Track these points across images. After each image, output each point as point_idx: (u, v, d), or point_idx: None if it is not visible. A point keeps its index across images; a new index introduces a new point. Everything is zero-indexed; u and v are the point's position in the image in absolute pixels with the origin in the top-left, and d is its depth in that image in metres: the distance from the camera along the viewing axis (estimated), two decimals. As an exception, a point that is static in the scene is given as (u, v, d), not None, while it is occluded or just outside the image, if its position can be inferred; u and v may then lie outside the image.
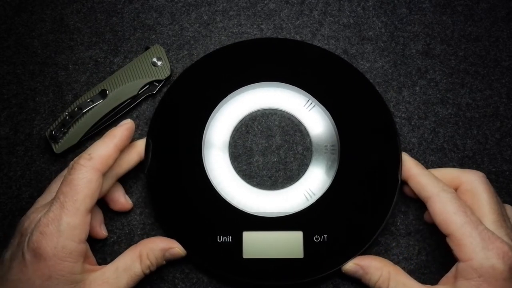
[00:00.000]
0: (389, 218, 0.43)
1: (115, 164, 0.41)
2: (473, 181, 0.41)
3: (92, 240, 0.43)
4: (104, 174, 0.40)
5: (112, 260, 0.43)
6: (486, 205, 0.40)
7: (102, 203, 0.44)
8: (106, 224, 0.44)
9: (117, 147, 0.41)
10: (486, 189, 0.41)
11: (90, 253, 0.40)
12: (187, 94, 0.47)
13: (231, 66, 0.48)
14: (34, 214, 0.39)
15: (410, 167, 0.43)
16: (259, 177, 0.46)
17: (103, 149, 0.40)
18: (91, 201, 0.38)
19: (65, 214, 0.37)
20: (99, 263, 0.43)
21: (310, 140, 0.47)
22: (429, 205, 0.40)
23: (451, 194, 0.40)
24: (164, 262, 0.41)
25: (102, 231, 0.43)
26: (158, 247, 0.41)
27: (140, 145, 0.45)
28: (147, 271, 0.40)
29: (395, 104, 0.49)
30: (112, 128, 0.42)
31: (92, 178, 0.38)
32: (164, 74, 0.48)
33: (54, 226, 0.36)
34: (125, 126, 0.42)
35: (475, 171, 0.42)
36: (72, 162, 0.39)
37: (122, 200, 0.44)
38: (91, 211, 0.39)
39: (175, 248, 0.41)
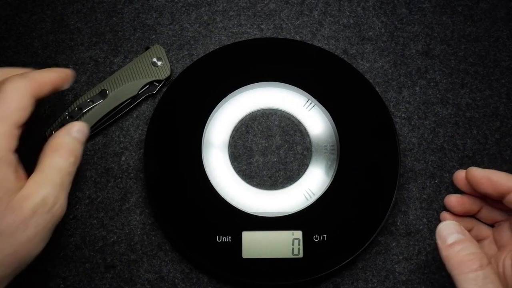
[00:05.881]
0: (388, 217, 0.43)
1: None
2: None
3: (90, 241, 0.44)
4: (36, 100, 0.38)
5: (111, 260, 0.43)
6: None
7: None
8: (105, 224, 0.44)
9: (52, 84, 0.39)
10: None
11: (20, 166, 0.37)
12: (186, 93, 0.47)
13: (231, 66, 0.48)
14: None
15: (477, 171, 0.42)
16: (259, 177, 0.46)
17: (46, 74, 0.38)
18: (21, 115, 0.36)
19: None
20: (99, 263, 0.43)
21: (310, 140, 0.47)
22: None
23: None
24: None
25: None
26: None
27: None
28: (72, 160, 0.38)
29: (395, 104, 0.49)
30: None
31: (24, 94, 0.36)
32: (164, 74, 0.48)
33: None
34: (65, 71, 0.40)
35: None
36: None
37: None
38: (21, 128, 0.36)
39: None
